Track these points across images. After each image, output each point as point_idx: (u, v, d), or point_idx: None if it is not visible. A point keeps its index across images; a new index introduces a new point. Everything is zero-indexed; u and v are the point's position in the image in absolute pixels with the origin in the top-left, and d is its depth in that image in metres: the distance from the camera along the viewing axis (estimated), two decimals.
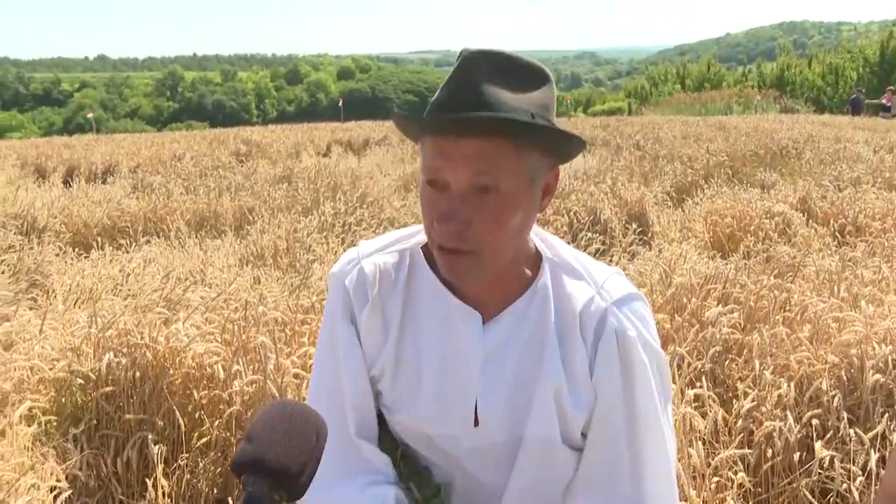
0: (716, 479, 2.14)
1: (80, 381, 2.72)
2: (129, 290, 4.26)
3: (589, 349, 1.13)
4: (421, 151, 1.09)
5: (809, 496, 2.22)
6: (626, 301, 1.15)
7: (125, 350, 2.74)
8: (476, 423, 1.15)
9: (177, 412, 2.55)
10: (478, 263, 1.07)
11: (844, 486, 2.26)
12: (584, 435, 1.16)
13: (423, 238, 1.20)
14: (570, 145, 1.09)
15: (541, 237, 1.20)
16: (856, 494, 2.21)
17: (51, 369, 2.79)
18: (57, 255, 5.87)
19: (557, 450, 1.15)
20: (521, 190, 1.06)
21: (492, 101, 1.02)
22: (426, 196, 1.08)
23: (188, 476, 2.52)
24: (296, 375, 2.61)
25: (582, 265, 1.18)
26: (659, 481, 1.14)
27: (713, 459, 2.16)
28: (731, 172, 8.85)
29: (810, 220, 6.06)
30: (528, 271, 1.16)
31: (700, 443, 2.10)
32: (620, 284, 1.17)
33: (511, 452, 1.16)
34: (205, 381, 2.69)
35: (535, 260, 1.18)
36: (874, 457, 2.34)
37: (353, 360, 1.18)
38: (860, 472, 2.28)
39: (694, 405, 2.38)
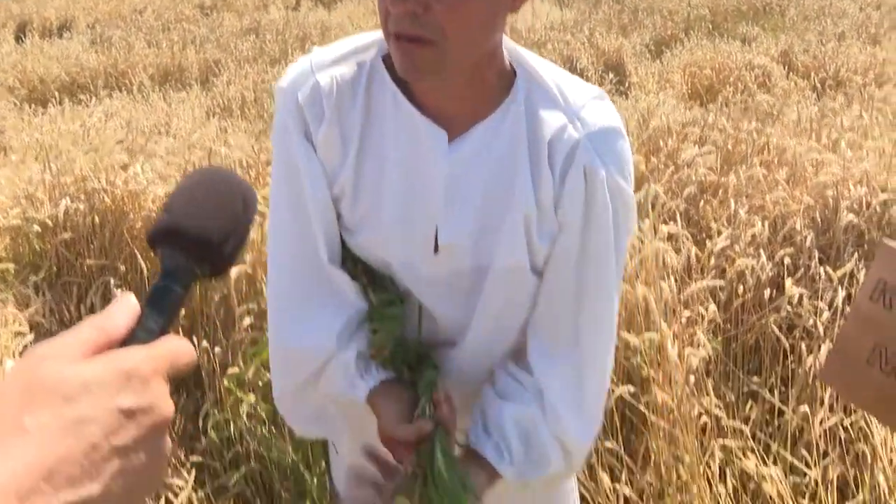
0: (687, 312, 2.13)
1: (36, 228, 2.63)
2: (90, 143, 4.11)
3: (556, 181, 1.05)
4: None
5: (777, 331, 2.25)
6: (601, 135, 1.05)
7: (82, 196, 2.64)
8: (436, 249, 1.08)
9: (139, 256, 2.49)
10: (437, 57, 0.95)
11: (811, 321, 2.29)
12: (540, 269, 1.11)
13: (383, 47, 1.07)
14: None
15: (515, 53, 1.09)
16: (821, 329, 2.24)
17: (4, 218, 2.69)
18: (11, 110, 5.65)
19: (525, 277, 1.09)
20: None
21: None
22: None
23: None
24: (261, 213, 2.52)
25: (557, 85, 1.07)
26: (596, 323, 1.11)
27: (685, 294, 2.15)
28: (711, 26, 8.61)
29: (791, 73, 5.94)
30: (499, 88, 1.06)
31: (672, 278, 2.08)
32: (598, 113, 1.06)
33: (475, 281, 1.09)
34: None
35: (509, 77, 1.07)
36: (841, 294, 2.36)
37: (316, 179, 1.09)
38: (827, 308, 2.30)
39: (667, 243, 2.35)
